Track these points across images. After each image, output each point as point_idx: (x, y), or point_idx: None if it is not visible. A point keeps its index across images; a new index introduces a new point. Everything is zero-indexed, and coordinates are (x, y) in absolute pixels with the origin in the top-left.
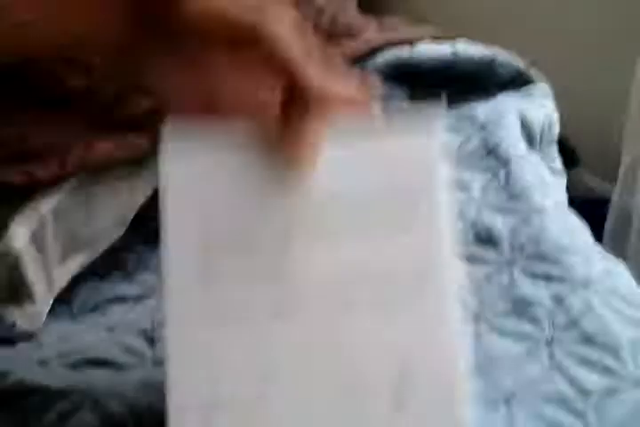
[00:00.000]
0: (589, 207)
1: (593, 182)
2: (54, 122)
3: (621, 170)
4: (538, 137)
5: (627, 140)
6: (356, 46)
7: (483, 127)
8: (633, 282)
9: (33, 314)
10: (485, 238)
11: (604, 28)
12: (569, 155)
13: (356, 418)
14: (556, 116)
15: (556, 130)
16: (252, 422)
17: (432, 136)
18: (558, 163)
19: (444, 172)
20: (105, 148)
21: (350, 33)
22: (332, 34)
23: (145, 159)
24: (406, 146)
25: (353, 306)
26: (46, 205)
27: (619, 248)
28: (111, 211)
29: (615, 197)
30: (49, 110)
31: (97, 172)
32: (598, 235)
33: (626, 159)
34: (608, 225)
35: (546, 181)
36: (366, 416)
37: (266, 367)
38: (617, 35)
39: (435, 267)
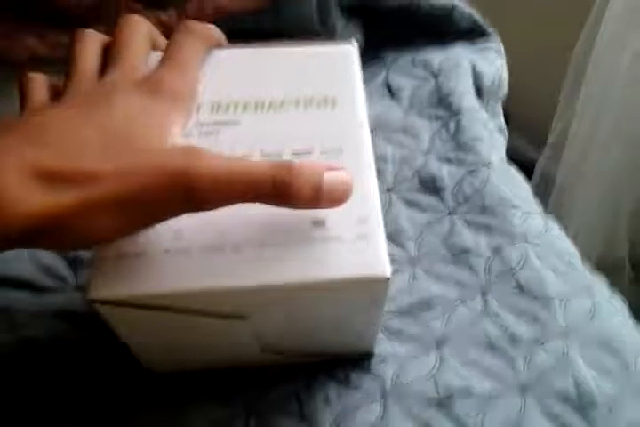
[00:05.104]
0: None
1: (520, 145)
2: None
3: (551, 138)
4: (487, 92)
5: (560, 109)
6: None
7: (436, 75)
8: (567, 240)
9: None
10: (430, 186)
11: None
12: None
13: (275, 234)
14: (505, 75)
15: (505, 88)
16: (165, 268)
17: (351, 46)
18: (502, 121)
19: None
20: (28, 43)
21: None
22: None
23: None
24: (327, 49)
25: (279, 156)
26: None
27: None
28: None
29: (541, 164)
30: None
31: (18, 67)
32: None
33: (556, 127)
34: (532, 187)
35: (494, 136)
36: (286, 232)
37: None
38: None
39: (353, 138)
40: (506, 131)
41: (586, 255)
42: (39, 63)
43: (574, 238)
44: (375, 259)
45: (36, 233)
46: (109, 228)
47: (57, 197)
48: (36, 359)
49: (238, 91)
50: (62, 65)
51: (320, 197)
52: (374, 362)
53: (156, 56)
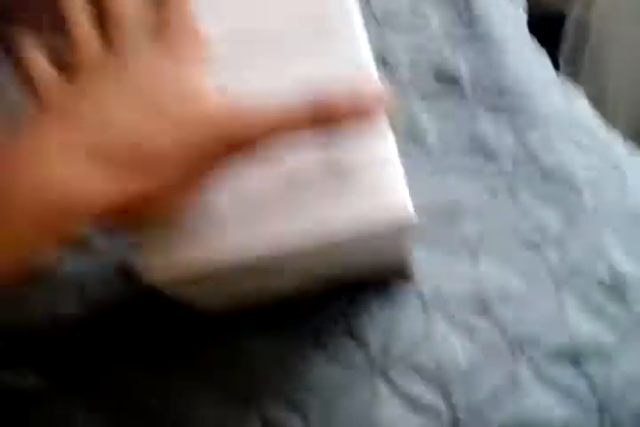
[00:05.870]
0: (547, 23)
1: None
2: None
3: None
4: None
5: None
6: None
7: None
8: (590, 111)
9: None
10: (446, 76)
11: None
12: None
13: (301, 195)
14: None
15: None
16: (209, 243)
17: None
18: None
19: None
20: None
21: None
22: None
23: None
24: None
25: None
26: None
27: (575, 64)
28: None
29: (573, 12)
30: None
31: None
32: (555, 51)
33: None
34: (565, 40)
35: (505, 9)
36: (312, 191)
37: None
38: None
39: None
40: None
41: (629, 108)
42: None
43: (617, 91)
44: (399, 205)
45: (109, 217)
46: (174, 198)
47: (121, 183)
48: (106, 317)
49: (231, 32)
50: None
51: (359, 111)
52: (412, 276)
53: None
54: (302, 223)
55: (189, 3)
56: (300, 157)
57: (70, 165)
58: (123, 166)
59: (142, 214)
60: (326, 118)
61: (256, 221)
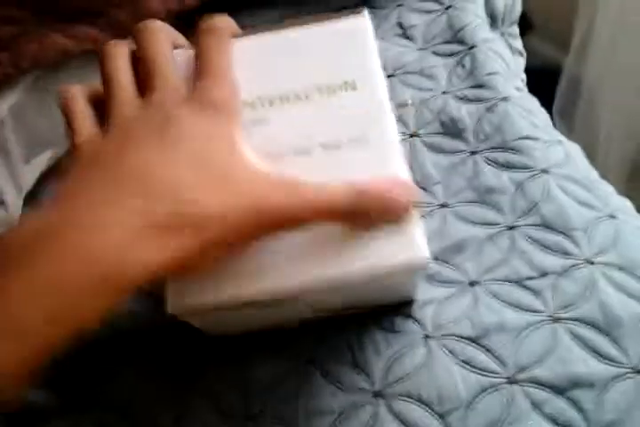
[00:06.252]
0: (541, 76)
1: (545, 50)
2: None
3: (575, 37)
4: (501, 18)
5: (582, 4)
6: None
7: (447, 7)
8: (588, 166)
9: (3, 217)
10: (451, 128)
11: None
12: (521, 19)
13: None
14: None
15: (519, 9)
16: (227, 277)
17: (363, 18)
18: (519, 42)
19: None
20: (58, 42)
21: None
22: None
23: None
24: (339, 26)
25: (310, 150)
26: (3, 104)
27: (567, 118)
28: None
29: (567, 66)
30: None
31: (54, 67)
32: (548, 104)
33: (580, 25)
34: (558, 94)
35: (510, 67)
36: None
37: None
38: None
39: (377, 121)
40: (524, 51)
41: (621, 158)
42: (71, 62)
43: (608, 141)
44: (413, 244)
45: (160, 279)
46: (214, 259)
47: (175, 246)
48: (118, 334)
49: (261, 86)
50: (91, 57)
51: (386, 215)
52: (415, 307)
53: (180, 53)
54: (320, 262)
55: (230, 73)
56: None
57: (118, 232)
58: (175, 229)
59: (188, 271)
60: (361, 215)
61: (272, 260)
